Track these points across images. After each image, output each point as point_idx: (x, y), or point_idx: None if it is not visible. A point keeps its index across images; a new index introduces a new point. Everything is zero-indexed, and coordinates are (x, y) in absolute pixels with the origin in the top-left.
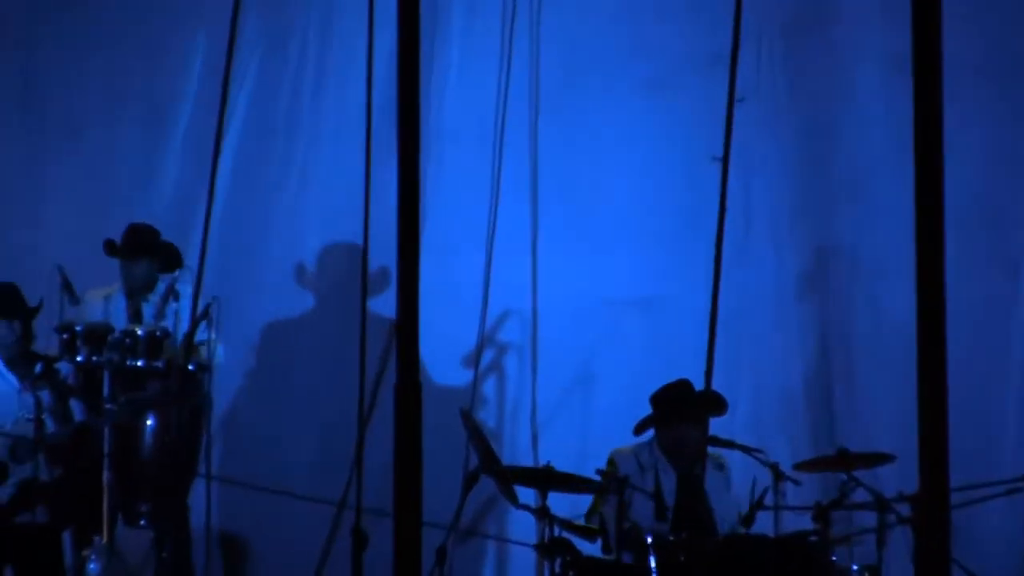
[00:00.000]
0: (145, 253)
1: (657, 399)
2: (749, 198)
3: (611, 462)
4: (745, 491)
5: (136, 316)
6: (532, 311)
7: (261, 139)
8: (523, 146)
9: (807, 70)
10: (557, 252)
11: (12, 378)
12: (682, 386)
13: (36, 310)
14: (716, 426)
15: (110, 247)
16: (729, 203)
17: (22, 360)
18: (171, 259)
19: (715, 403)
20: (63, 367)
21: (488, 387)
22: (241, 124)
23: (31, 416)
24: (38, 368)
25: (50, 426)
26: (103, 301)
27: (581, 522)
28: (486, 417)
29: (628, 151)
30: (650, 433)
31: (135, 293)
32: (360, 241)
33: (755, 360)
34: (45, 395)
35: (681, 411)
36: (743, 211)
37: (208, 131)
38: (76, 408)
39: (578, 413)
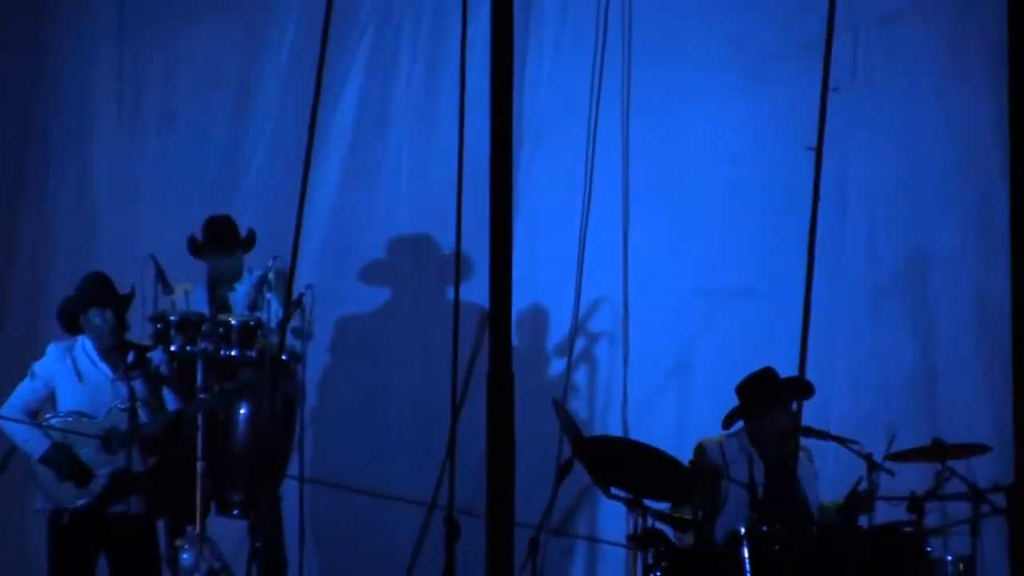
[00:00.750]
0: (237, 245)
1: (743, 388)
2: (844, 188)
3: (699, 451)
4: (845, 483)
5: (222, 307)
6: (623, 300)
7: (354, 129)
8: (615, 135)
9: (903, 60)
10: (650, 241)
11: (106, 368)
12: (766, 373)
13: (129, 299)
14: (810, 417)
15: (195, 246)
16: (823, 193)
17: (115, 349)
18: (251, 244)
19: (800, 387)
20: (155, 356)
21: (580, 376)
22: (334, 113)
23: (125, 406)
24: (130, 357)
25: (143, 416)
26: (183, 297)
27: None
28: (578, 406)
29: (721, 140)
30: (738, 425)
31: (222, 284)
32: (448, 231)
33: (850, 351)
34: (138, 385)
35: (767, 397)
36: (838, 201)
37: (299, 120)
38: (168, 398)
39: (672, 403)
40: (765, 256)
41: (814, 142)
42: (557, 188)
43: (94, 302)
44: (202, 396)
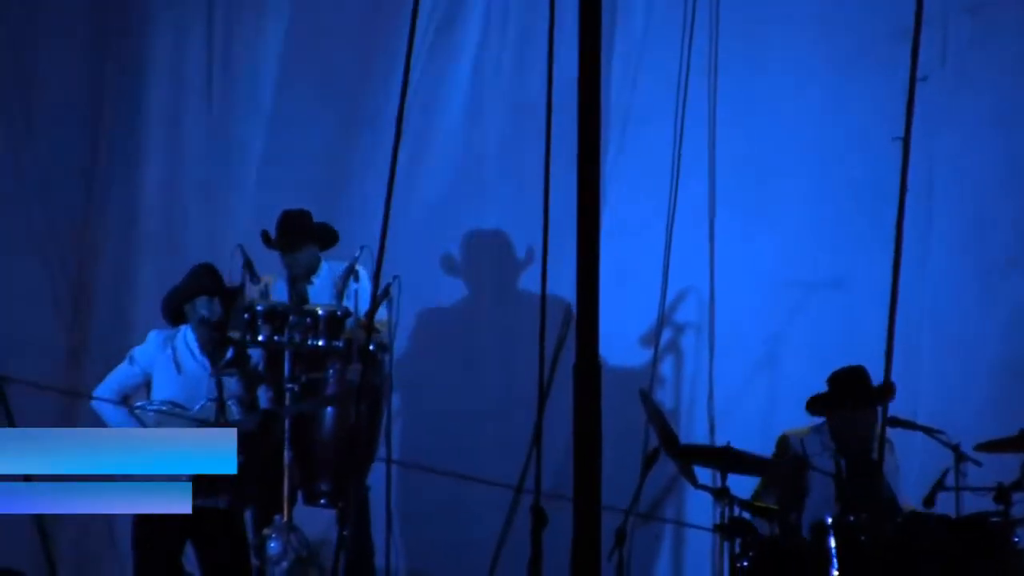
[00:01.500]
0: (307, 240)
1: (834, 381)
2: (932, 178)
3: (782, 443)
4: (931, 473)
5: (301, 301)
6: (710, 291)
7: (442, 121)
8: (702, 125)
9: (993, 48)
10: (737, 231)
11: (205, 361)
12: (858, 373)
13: (236, 292)
14: (896, 407)
15: (267, 240)
16: (911, 183)
17: (217, 343)
18: (328, 238)
19: (885, 392)
20: (254, 354)
21: (666, 367)
22: (419, 103)
23: (215, 398)
24: (229, 353)
25: (236, 413)
26: (264, 289)
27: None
28: (664, 397)
29: (809, 129)
30: (821, 419)
31: (299, 279)
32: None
33: (937, 340)
34: (234, 382)
35: (853, 399)
36: (925, 191)
37: (390, 111)
38: (260, 394)
39: (759, 395)
40: (852, 247)
41: (902, 132)
42: (644, 178)
43: (202, 292)
44: (292, 404)
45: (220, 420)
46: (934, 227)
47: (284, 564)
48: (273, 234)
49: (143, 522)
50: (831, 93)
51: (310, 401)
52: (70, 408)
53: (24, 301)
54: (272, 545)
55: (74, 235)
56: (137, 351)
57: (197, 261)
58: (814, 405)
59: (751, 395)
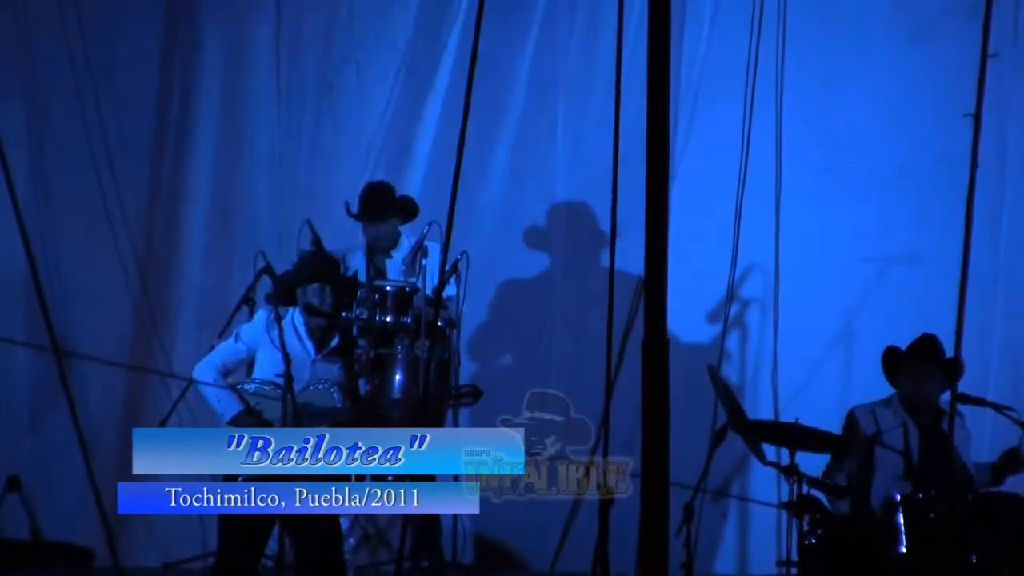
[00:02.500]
0: (392, 212)
1: (906, 348)
2: (1003, 154)
3: (850, 419)
4: (1001, 450)
5: (379, 274)
6: (775, 266)
7: (508, 97)
8: (770, 101)
9: None
10: (805, 207)
11: (310, 346)
12: (928, 336)
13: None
14: (967, 383)
15: (350, 212)
16: (982, 159)
17: (325, 330)
18: (411, 212)
19: (955, 367)
20: (360, 345)
21: (731, 343)
22: (492, 80)
23: (324, 385)
24: (335, 341)
25: (338, 400)
26: (341, 262)
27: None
28: (729, 372)
29: (880, 105)
30: (890, 392)
31: (379, 251)
32: (604, 199)
33: (1008, 317)
34: (335, 368)
35: (920, 353)
36: (997, 167)
37: (460, 87)
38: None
39: (832, 371)
40: (922, 223)
41: (973, 108)
42: (713, 155)
43: (317, 279)
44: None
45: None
46: (1006, 203)
47: (352, 541)
48: (355, 206)
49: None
50: (902, 68)
51: (415, 406)
52: (139, 382)
53: (95, 278)
54: (340, 522)
55: (142, 213)
56: (244, 329)
57: (263, 239)
58: (888, 364)
59: (823, 371)
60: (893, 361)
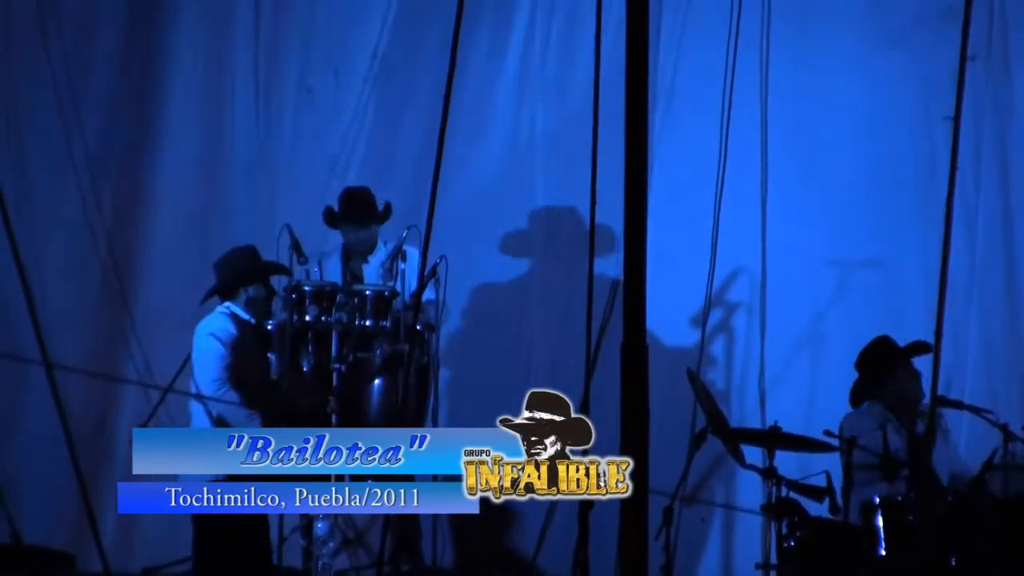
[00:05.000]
0: (372, 217)
1: (861, 361)
2: (979, 158)
3: (841, 427)
4: (980, 453)
5: (355, 278)
6: (761, 270)
7: (490, 100)
8: (753, 102)
9: None
10: (786, 210)
11: None
12: (881, 341)
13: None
14: (943, 386)
15: (331, 216)
16: (961, 163)
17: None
18: (387, 217)
19: (915, 347)
20: None
21: (717, 347)
22: (473, 83)
23: None
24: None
25: None
26: (317, 267)
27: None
28: (715, 377)
29: (860, 108)
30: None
31: (356, 255)
32: (583, 201)
33: (984, 321)
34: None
35: (883, 364)
36: (974, 171)
37: (437, 92)
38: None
39: (804, 375)
40: (903, 225)
41: (950, 111)
42: (692, 157)
43: (261, 278)
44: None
45: None
46: (982, 207)
47: (331, 545)
48: (337, 211)
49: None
50: (882, 71)
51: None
52: (116, 392)
53: (71, 283)
54: (319, 526)
55: (119, 215)
56: (219, 331)
57: (240, 241)
58: (855, 392)
59: (796, 373)
60: (889, 355)
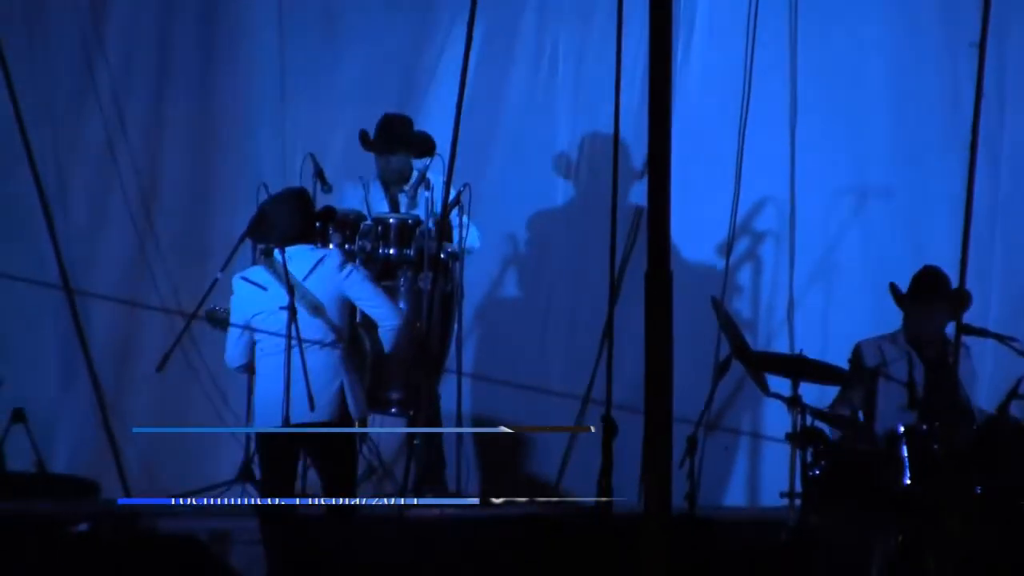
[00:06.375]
0: (401, 146)
1: (912, 280)
2: (1003, 85)
3: (856, 352)
4: (1004, 381)
5: (393, 206)
6: (790, 198)
7: (514, 19)
8: (781, 28)
9: None
10: (813, 137)
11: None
12: (933, 271)
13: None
14: (969, 315)
15: (365, 139)
16: (985, 89)
17: None
18: (425, 148)
19: (960, 297)
20: None
21: (744, 276)
22: (498, 10)
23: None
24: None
25: None
26: (361, 190)
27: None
28: (741, 306)
29: (887, 35)
30: (896, 324)
31: (390, 184)
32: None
33: (1008, 248)
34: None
35: (919, 296)
36: (996, 98)
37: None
38: None
39: (830, 303)
40: (929, 151)
41: (975, 37)
42: (720, 81)
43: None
44: None
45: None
46: (1006, 134)
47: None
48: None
49: (267, 440)
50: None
51: None
52: (139, 319)
53: (94, 211)
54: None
55: (147, 146)
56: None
57: (265, 172)
58: (896, 298)
59: (822, 303)
60: (896, 296)
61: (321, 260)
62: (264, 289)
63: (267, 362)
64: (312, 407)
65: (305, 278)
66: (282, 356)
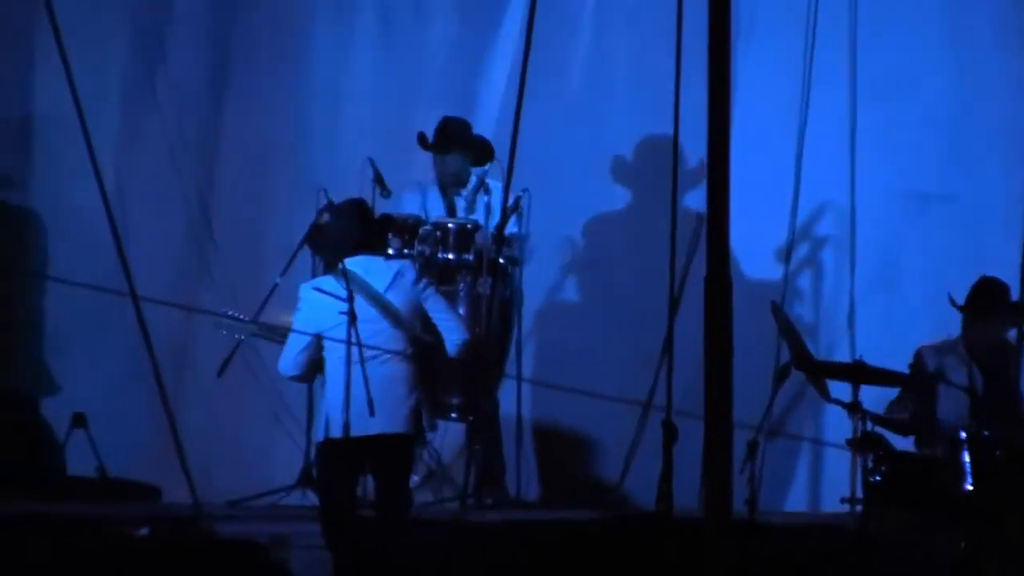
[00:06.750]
0: (458, 147)
1: (972, 290)
2: None
3: (917, 357)
4: None
5: (450, 210)
6: (850, 204)
7: (571, 22)
8: (841, 34)
9: None
10: (873, 144)
11: None
12: (988, 283)
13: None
14: None
15: (423, 140)
16: None
17: None
18: (483, 153)
19: (1021, 309)
20: None
21: (804, 281)
22: (556, 15)
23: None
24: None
25: None
26: (419, 194)
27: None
28: (801, 312)
29: (948, 37)
30: (957, 330)
31: (447, 187)
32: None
33: None
34: None
35: (981, 306)
36: None
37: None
38: None
39: (891, 309)
40: (988, 160)
41: None
42: (779, 87)
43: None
44: None
45: None
46: None
47: (416, 478)
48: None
49: (325, 449)
50: (972, 11)
51: None
52: (197, 325)
53: (156, 218)
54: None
55: (206, 153)
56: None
57: (320, 176)
58: (953, 304)
59: (883, 309)
60: (955, 306)
61: (399, 272)
62: (341, 300)
63: (343, 371)
64: (394, 420)
65: (386, 290)
66: (357, 366)
